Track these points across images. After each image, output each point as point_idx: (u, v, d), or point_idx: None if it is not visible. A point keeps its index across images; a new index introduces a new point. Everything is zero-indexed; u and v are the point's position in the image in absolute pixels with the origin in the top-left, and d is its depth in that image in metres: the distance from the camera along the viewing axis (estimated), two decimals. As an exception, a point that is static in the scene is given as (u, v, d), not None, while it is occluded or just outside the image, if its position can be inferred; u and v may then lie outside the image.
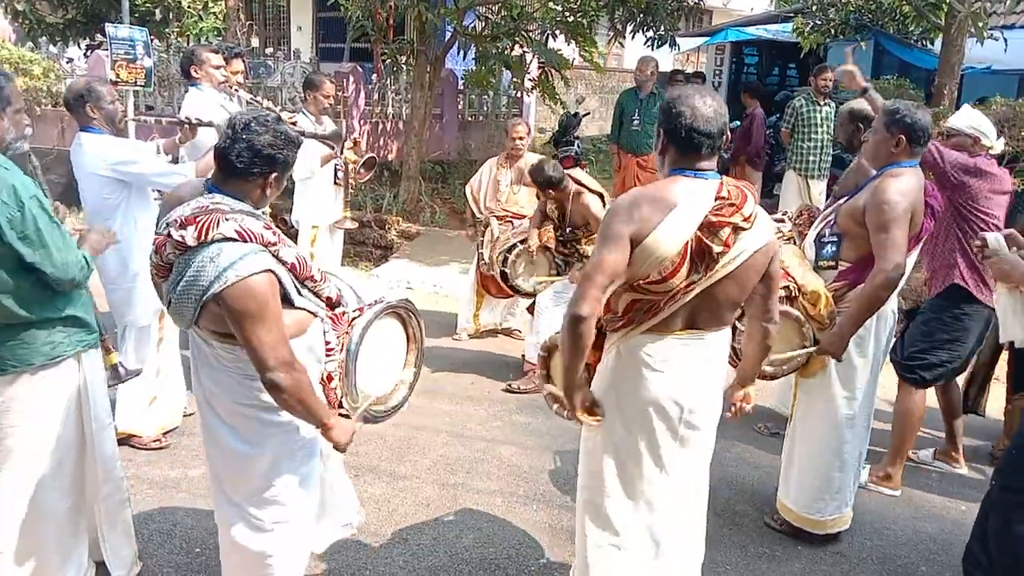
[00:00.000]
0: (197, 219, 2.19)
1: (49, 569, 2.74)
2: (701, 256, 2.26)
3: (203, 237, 2.16)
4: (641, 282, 2.28)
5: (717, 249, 2.24)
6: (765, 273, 2.42)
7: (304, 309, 2.40)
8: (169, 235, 2.21)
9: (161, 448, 4.04)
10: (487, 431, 4.51)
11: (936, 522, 3.78)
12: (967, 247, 3.77)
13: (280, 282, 2.28)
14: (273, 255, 2.26)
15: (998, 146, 3.88)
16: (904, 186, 3.09)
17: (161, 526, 3.37)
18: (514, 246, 5.26)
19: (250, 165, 2.25)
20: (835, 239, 3.27)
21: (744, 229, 2.26)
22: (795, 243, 3.52)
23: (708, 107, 2.26)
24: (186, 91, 4.78)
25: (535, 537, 3.45)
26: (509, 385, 5.17)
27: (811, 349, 3.22)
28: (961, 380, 4.40)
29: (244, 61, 5.60)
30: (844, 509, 3.47)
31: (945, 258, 3.90)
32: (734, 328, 3.26)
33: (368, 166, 5.79)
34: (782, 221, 3.62)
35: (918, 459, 4.35)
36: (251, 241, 2.20)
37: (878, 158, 3.25)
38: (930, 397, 4.24)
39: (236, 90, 4.97)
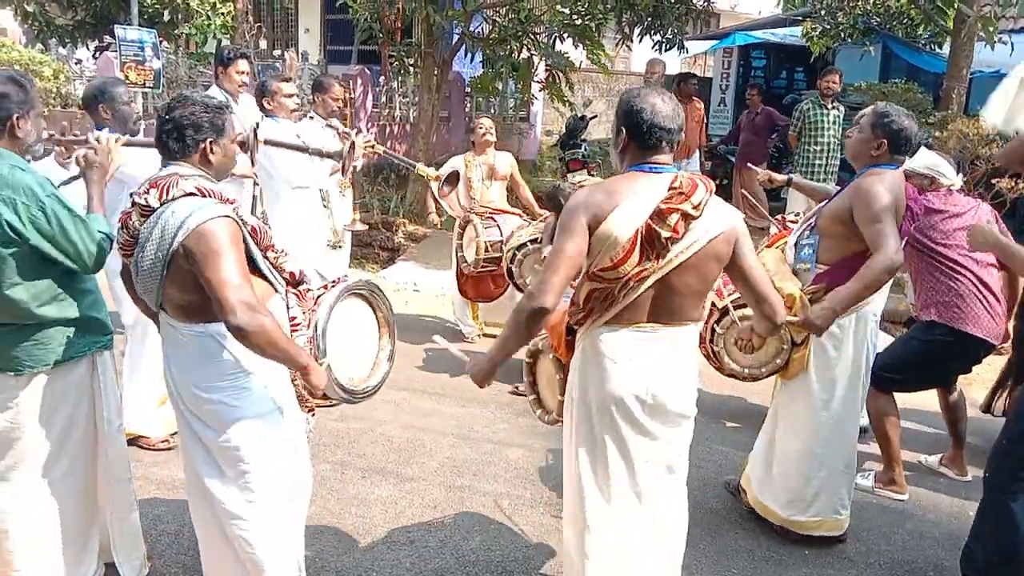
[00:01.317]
0: (158, 183, 2.34)
1: (61, 569, 2.75)
2: (651, 243, 2.30)
3: (164, 196, 2.31)
4: (595, 270, 2.33)
5: (665, 234, 2.27)
6: (743, 273, 2.45)
7: (266, 279, 2.47)
8: (133, 203, 2.35)
9: (169, 449, 4.04)
10: (494, 433, 4.51)
11: (944, 527, 3.76)
12: (938, 279, 3.83)
13: (243, 237, 2.38)
14: (234, 211, 2.37)
15: (957, 182, 3.95)
16: (887, 182, 3.13)
17: (169, 527, 3.38)
18: (524, 244, 5.25)
19: (181, 138, 2.40)
20: (813, 242, 3.30)
21: (694, 217, 2.29)
22: None
23: (667, 104, 2.35)
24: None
25: (542, 540, 3.45)
26: (516, 387, 5.15)
27: (789, 352, 3.29)
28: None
29: (251, 63, 5.62)
30: (831, 514, 3.44)
31: (923, 294, 3.93)
32: (713, 332, 3.43)
33: (451, 182, 5.50)
34: (795, 222, 3.64)
35: (925, 464, 4.34)
36: (210, 197, 2.34)
37: (859, 158, 3.29)
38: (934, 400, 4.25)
39: (312, 118, 4.97)
